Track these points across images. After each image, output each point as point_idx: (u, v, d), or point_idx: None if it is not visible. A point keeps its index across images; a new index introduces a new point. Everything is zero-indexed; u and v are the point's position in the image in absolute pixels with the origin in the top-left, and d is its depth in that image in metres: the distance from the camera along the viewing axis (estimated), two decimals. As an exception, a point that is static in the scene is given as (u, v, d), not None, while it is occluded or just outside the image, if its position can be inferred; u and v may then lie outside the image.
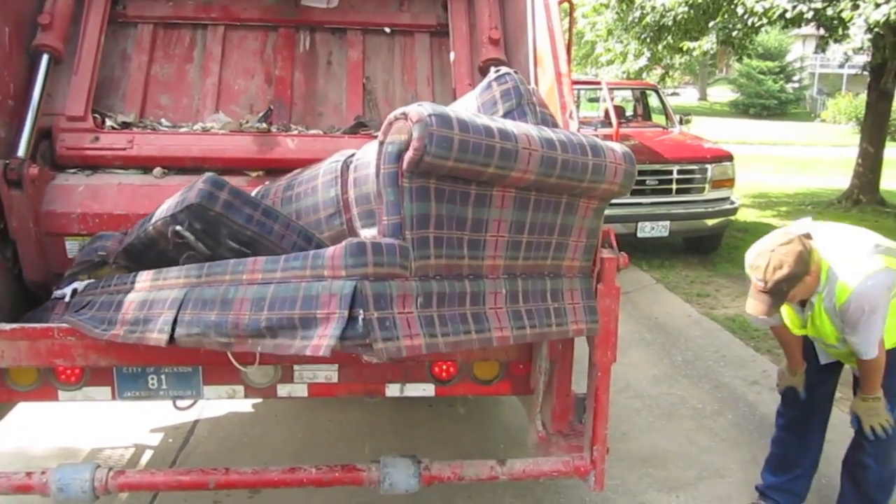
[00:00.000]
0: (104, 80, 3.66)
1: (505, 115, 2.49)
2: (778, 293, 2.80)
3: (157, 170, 3.42)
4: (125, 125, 3.56)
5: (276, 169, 3.42)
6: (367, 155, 2.88)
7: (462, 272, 2.22)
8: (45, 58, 3.42)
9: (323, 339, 1.95)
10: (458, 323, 2.19)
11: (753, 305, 2.89)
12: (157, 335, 2.35)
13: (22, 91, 3.33)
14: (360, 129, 3.68)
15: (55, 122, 3.40)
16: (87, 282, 2.99)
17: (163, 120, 3.69)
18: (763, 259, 2.80)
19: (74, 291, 2.97)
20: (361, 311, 1.93)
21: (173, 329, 2.31)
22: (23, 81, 3.35)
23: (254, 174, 3.47)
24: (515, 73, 2.55)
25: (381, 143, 1.99)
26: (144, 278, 2.60)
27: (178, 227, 2.53)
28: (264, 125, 3.64)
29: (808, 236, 2.88)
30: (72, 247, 3.26)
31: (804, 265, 2.77)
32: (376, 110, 3.86)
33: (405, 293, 2.04)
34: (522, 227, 2.33)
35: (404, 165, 1.95)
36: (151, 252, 2.73)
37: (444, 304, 2.16)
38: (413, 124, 1.92)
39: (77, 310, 2.80)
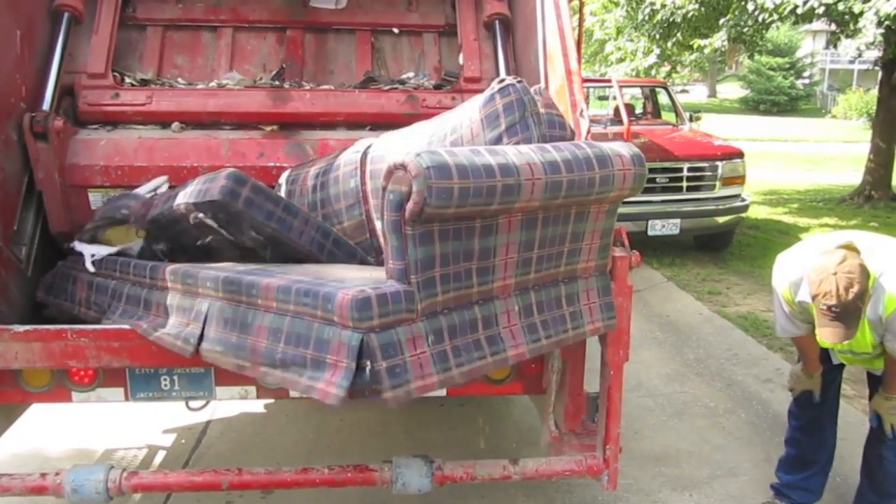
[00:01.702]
0: (122, 42, 3.81)
1: (508, 129, 2.47)
2: (855, 312, 2.67)
3: (176, 124, 3.60)
4: (144, 82, 3.71)
5: (289, 123, 3.63)
6: (382, 148, 2.96)
7: (472, 299, 2.21)
8: (65, 17, 3.56)
9: (331, 386, 1.99)
10: (473, 350, 2.19)
11: (833, 333, 2.71)
12: (181, 344, 2.44)
13: (45, 50, 3.49)
14: (370, 83, 3.84)
15: (77, 79, 3.58)
16: (107, 251, 3.09)
17: (179, 79, 3.82)
18: (829, 284, 2.64)
19: (95, 261, 3.07)
20: (369, 363, 1.95)
21: (199, 342, 2.40)
22: (45, 41, 3.51)
23: (268, 128, 3.63)
24: (519, 81, 2.51)
25: (384, 189, 2.00)
26: (165, 277, 2.66)
27: (201, 215, 2.56)
28: (277, 82, 3.79)
29: (851, 246, 2.76)
30: (95, 198, 3.44)
31: (867, 276, 2.67)
32: (385, 68, 4.00)
33: (414, 335, 2.05)
34: (532, 244, 2.31)
35: (406, 215, 1.95)
36: (175, 228, 2.82)
37: (455, 335, 2.16)
38: (412, 178, 1.91)
39: (104, 296, 2.93)
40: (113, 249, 3.12)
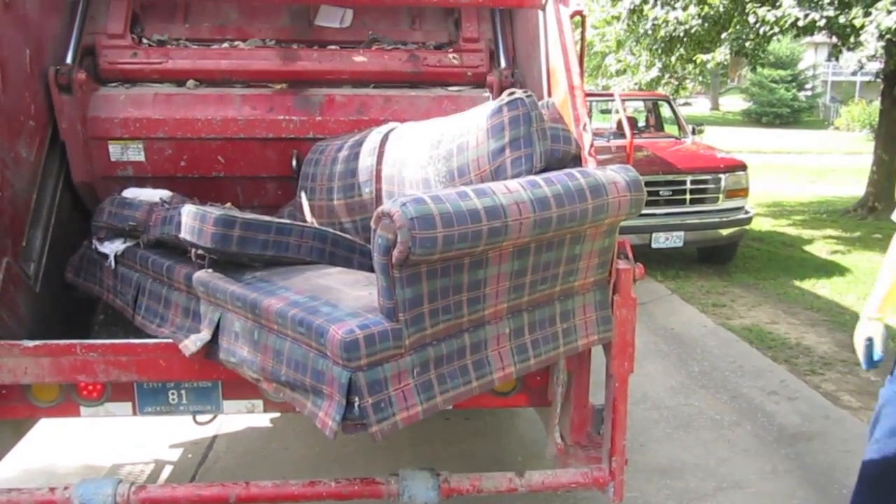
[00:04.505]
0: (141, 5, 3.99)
1: (511, 142, 2.51)
2: None
3: (191, 82, 3.81)
4: (160, 43, 3.89)
5: (297, 81, 3.83)
6: (399, 134, 3.16)
7: (462, 328, 2.26)
8: None
9: (328, 418, 2.10)
10: (458, 377, 2.26)
11: None
12: (190, 345, 2.59)
13: (68, 10, 3.71)
14: (373, 43, 4.00)
15: (97, 39, 3.77)
16: (125, 245, 3.25)
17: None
18: None
19: (117, 253, 3.24)
20: (357, 399, 2.05)
21: (207, 345, 2.56)
22: (68, 4, 3.73)
23: (277, 86, 3.82)
24: (528, 96, 2.55)
25: (374, 231, 2.06)
26: (180, 281, 2.80)
27: (200, 251, 2.64)
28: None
29: None
30: (115, 150, 3.68)
31: None
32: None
33: (400, 370, 2.12)
34: (525, 271, 2.34)
35: (393, 260, 2.00)
36: (180, 247, 2.88)
37: (442, 364, 2.22)
38: (397, 228, 1.97)
39: (128, 288, 3.12)
40: (132, 243, 3.23)
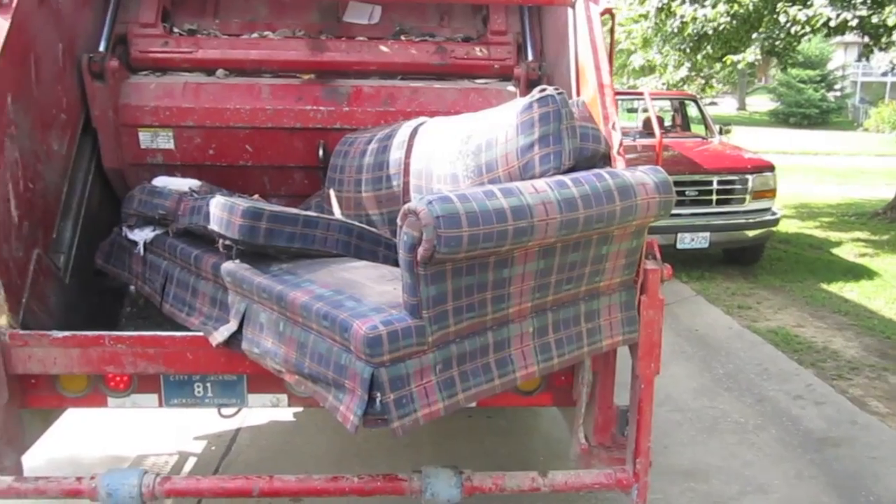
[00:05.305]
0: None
1: (541, 139, 2.49)
2: None
3: (220, 71, 3.84)
4: (191, 32, 3.94)
5: (325, 71, 3.85)
6: (429, 129, 3.17)
7: (486, 326, 2.26)
8: None
9: (349, 412, 2.10)
10: (480, 374, 2.26)
11: None
12: (217, 336, 2.62)
13: (101, 1, 3.76)
14: (401, 35, 4.02)
15: (129, 28, 3.82)
16: (155, 233, 3.28)
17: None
18: None
19: (146, 242, 3.29)
20: (379, 395, 2.05)
21: (232, 337, 2.58)
22: None
23: (305, 76, 3.84)
24: (559, 93, 2.53)
25: (400, 228, 2.06)
26: (208, 270, 2.82)
27: (228, 242, 2.65)
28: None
29: None
30: (144, 138, 3.74)
31: None
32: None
33: (422, 367, 2.12)
34: (550, 271, 2.33)
35: (418, 258, 2.01)
36: (208, 237, 2.91)
37: (465, 361, 2.22)
38: (422, 226, 1.98)
39: (157, 275, 3.16)
40: (161, 231, 3.27)
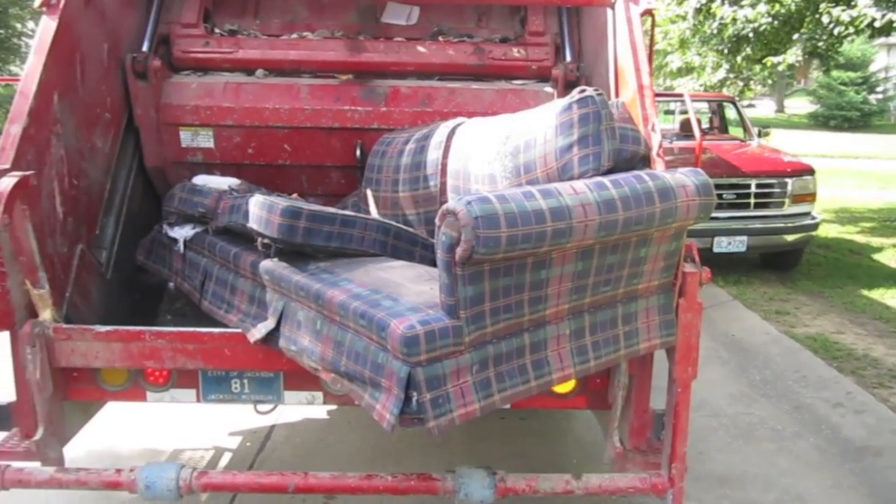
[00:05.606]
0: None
1: (580, 139, 2.47)
2: None
3: (260, 71, 3.90)
4: (232, 33, 4.00)
5: (363, 72, 3.88)
6: (467, 129, 3.18)
7: (522, 327, 2.25)
8: None
9: (385, 411, 2.12)
10: (517, 375, 2.26)
11: None
12: (255, 333, 2.65)
13: (144, 2, 3.85)
14: (438, 35, 4.04)
15: (172, 28, 3.89)
16: (194, 231, 3.34)
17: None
18: None
19: (186, 239, 3.36)
20: (415, 394, 2.07)
21: (269, 334, 2.60)
22: None
23: (343, 77, 3.88)
24: (599, 94, 2.51)
25: (438, 228, 2.07)
26: (246, 268, 2.87)
27: (266, 240, 2.68)
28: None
29: None
30: (185, 136, 3.81)
31: None
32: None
33: (459, 367, 2.13)
34: (588, 273, 2.32)
35: (456, 258, 2.01)
36: (245, 235, 2.95)
37: (501, 362, 2.22)
38: (461, 226, 1.98)
39: (196, 272, 3.22)
40: (201, 229, 3.32)
